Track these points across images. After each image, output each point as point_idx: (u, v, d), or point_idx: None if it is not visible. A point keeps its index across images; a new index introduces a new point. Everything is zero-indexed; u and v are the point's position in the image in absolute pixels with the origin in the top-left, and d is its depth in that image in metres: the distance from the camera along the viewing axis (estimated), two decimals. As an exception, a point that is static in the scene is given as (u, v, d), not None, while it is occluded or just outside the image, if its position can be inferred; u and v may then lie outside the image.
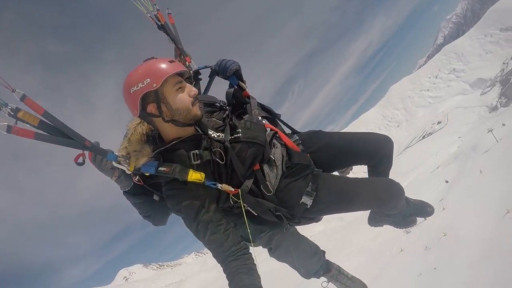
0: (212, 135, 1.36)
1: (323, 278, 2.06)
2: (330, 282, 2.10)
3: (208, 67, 1.72)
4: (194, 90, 1.31)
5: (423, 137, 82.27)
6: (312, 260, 1.87)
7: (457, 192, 9.90)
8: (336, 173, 1.69)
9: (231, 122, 1.41)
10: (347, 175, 1.77)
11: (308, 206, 1.41)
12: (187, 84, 1.32)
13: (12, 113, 1.10)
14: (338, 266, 2.10)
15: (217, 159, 1.30)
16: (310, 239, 1.95)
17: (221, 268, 1.24)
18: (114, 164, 1.28)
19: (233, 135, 1.36)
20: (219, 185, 1.30)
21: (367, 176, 1.69)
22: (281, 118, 1.70)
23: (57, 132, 1.20)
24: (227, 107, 1.57)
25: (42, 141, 1.17)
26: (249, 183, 1.37)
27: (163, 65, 1.23)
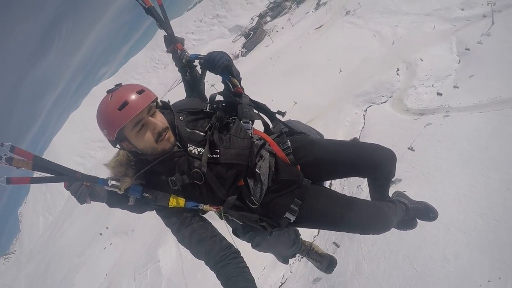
0: (193, 151, 1.32)
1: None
2: (303, 257, 2.19)
3: (200, 58, 1.59)
4: (158, 127, 1.26)
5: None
6: (289, 250, 1.90)
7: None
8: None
9: (211, 137, 1.35)
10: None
11: (292, 221, 1.42)
12: (150, 120, 1.26)
13: (8, 163, 1.13)
14: (310, 243, 2.18)
15: (195, 181, 1.29)
16: None
17: (215, 274, 1.23)
18: (106, 188, 1.30)
19: (212, 155, 1.32)
20: (201, 206, 1.32)
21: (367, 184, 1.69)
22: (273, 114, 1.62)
23: (48, 171, 1.22)
24: (214, 112, 1.49)
25: (38, 183, 1.22)
26: (232, 199, 1.36)
27: (114, 116, 1.18)
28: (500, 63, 11.63)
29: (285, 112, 1.62)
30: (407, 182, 8.74)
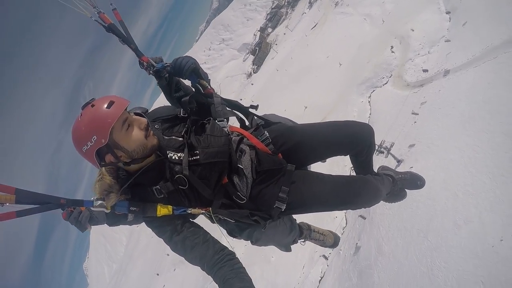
0: (173, 157, 1.33)
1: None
2: (306, 241, 2.21)
3: (166, 66, 1.57)
4: (143, 122, 1.29)
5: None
6: (289, 238, 1.93)
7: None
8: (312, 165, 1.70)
9: (189, 140, 1.36)
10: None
11: (283, 210, 1.41)
12: (134, 117, 1.29)
13: None
14: (308, 225, 2.19)
15: (180, 187, 1.31)
16: None
17: (211, 279, 1.25)
18: (92, 208, 1.28)
19: (192, 157, 1.33)
20: (189, 210, 1.32)
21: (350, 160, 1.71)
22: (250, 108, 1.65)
23: (33, 202, 1.20)
24: (188, 117, 1.49)
25: (26, 215, 1.18)
26: (219, 199, 1.38)
27: (104, 114, 1.17)
28: (486, 8, 11.36)
29: (257, 106, 1.65)
30: (414, 158, 8.93)
